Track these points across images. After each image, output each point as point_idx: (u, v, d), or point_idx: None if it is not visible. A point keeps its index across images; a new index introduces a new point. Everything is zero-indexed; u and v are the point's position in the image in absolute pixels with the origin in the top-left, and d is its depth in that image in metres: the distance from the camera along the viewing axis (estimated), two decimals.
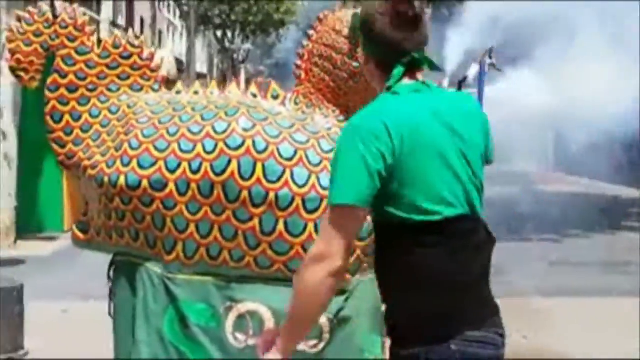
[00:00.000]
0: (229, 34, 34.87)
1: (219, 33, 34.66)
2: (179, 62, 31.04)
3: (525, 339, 5.51)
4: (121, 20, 33.61)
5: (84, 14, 3.17)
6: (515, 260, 8.01)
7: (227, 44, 34.71)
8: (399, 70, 2.05)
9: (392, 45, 2.04)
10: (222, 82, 3.29)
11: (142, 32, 36.44)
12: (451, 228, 2.01)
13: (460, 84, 3.15)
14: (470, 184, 2.05)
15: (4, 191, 9.83)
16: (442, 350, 1.98)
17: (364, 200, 1.97)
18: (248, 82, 3.44)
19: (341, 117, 2.94)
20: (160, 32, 39.52)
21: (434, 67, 2.12)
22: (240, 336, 2.83)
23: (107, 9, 31.18)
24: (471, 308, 2.03)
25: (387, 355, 3.05)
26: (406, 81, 2.07)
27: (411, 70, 2.07)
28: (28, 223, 11.09)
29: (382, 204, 2.01)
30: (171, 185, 2.79)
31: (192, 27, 30.66)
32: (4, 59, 9.79)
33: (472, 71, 3.14)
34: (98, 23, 28.51)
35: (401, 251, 2.03)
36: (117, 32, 3.10)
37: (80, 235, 3.16)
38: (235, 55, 34.93)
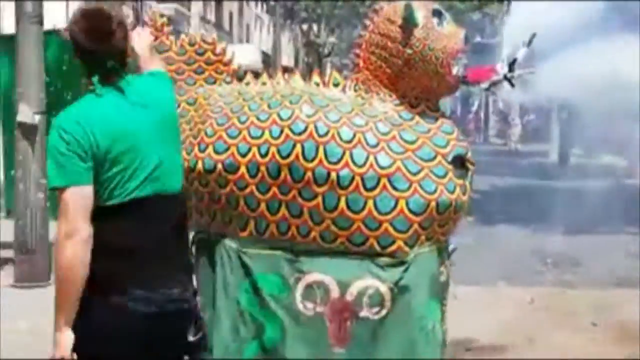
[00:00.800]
0: (315, 28, 35.23)
1: (305, 27, 35.06)
2: (265, 55, 31.60)
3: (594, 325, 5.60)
4: (210, 15, 34.42)
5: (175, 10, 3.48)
6: (598, 253, 8.05)
7: (312, 38, 35.06)
8: (95, 77, 2.46)
9: (89, 54, 2.46)
10: (308, 75, 3.50)
11: (230, 26, 37.24)
12: (142, 206, 2.46)
13: (512, 65, 3.29)
14: (166, 164, 2.51)
15: None
16: (116, 301, 2.43)
17: (75, 180, 2.37)
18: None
19: (397, 101, 3.16)
20: (248, 26, 40.25)
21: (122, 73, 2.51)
22: (308, 304, 3.10)
23: (197, 5, 31.99)
24: (149, 271, 2.47)
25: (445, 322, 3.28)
26: (106, 84, 2.46)
27: (109, 75, 2.47)
28: None
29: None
30: (243, 168, 3.08)
31: (278, 21, 31.16)
32: None
33: (521, 53, 3.28)
34: (188, 18, 29.36)
35: (102, 224, 2.42)
36: (205, 28, 3.41)
37: None
38: (320, 49, 35.24)
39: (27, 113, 6.99)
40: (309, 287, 3.09)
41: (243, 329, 3.16)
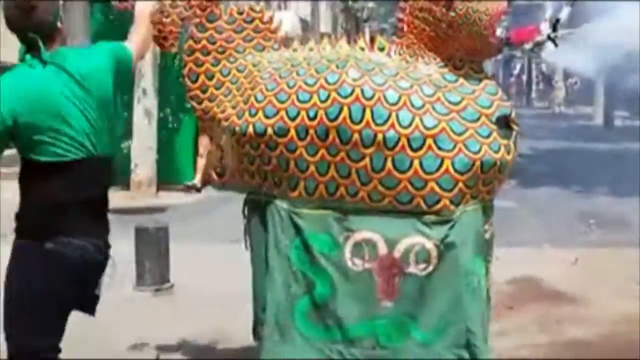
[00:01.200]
0: None
1: None
2: (303, 22, 31.50)
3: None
4: None
5: None
6: None
7: (350, 3, 34.83)
8: (21, 48, 2.75)
9: (14, 29, 2.75)
10: (352, 40, 3.55)
11: None
12: (72, 168, 2.75)
13: (555, 25, 3.33)
14: (94, 130, 2.79)
15: (145, 145, 10.64)
16: (38, 246, 2.77)
17: None
18: (372, 40, 3.70)
19: (441, 64, 3.23)
20: None
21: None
22: (357, 261, 3.22)
23: None
24: (77, 224, 2.78)
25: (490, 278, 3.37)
26: (32, 55, 2.73)
27: (33, 47, 2.73)
28: (167, 175, 11.95)
29: (23, 148, 2.77)
30: (292, 131, 3.20)
31: None
32: None
33: (564, 13, 3.32)
34: None
35: (37, 182, 2.78)
36: None
37: (218, 178, 3.62)
38: (359, 14, 35.00)
39: None
40: (357, 244, 3.21)
41: (295, 286, 3.30)
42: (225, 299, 5.17)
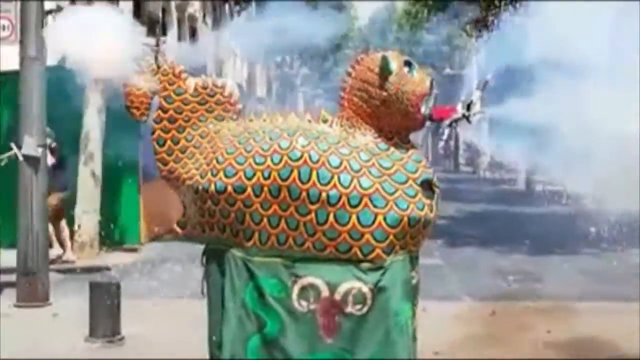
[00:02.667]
0: (288, 59, 36.00)
1: (278, 59, 35.81)
2: (240, 88, 32.16)
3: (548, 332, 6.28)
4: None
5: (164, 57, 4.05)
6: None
7: (286, 69, 35.83)
8: None
9: None
10: (281, 105, 4.04)
11: (205, 60, 37.76)
12: None
13: (469, 105, 3.95)
14: None
15: (89, 207, 10.96)
16: None
17: None
18: (305, 106, 4.08)
19: (375, 135, 3.83)
20: (222, 61, 40.83)
21: None
22: (303, 302, 3.73)
23: (172, 34, 32.44)
24: None
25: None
26: None
27: None
28: (110, 236, 12.32)
29: None
30: (249, 189, 3.73)
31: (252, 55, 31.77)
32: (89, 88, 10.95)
33: (475, 96, 3.93)
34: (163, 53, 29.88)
35: None
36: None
37: (181, 231, 4.10)
38: (293, 79, 36.05)
39: (31, 145, 7.55)
40: (303, 288, 3.73)
41: (248, 324, 3.78)
42: (171, 346, 5.60)
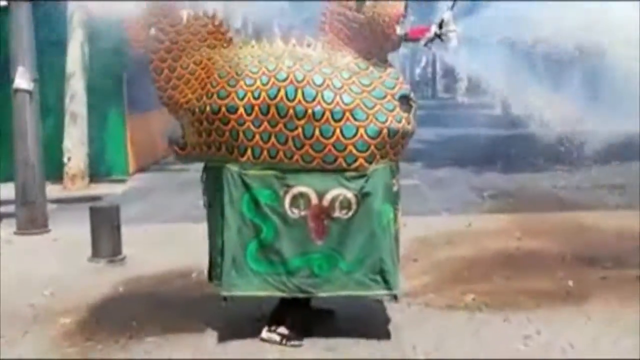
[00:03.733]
0: None
1: None
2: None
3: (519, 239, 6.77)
4: None
5: None
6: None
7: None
8: None
9: None
10: (258, 36, 4.27)
11: None
12: None
13: (440, 24, 4.24)
14: None
15: (77, 141, 11.26)
16: None
17: None
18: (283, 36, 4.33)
19: (355, 55, 4.19)
20: None
21: None
22: (295, 210, 4.15)
23: None
24: None
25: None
26: None
27: None
28: (98, 168, 12.64)
29: None
30: (241, 109, 4.10)
31: None
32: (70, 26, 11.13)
33: (447, 15, 4.22)
34: None
35: None
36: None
37: (181, 151, 4.47)
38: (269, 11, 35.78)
39: (24, 80, 7.81)
40: (294, 197, 4.14)
41: (245, 231, 4.20)
42: (168, 263, 6.05)
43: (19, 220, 8.05)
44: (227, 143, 4.20)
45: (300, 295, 4.23)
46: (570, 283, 5.35)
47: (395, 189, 4.34)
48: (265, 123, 4.10)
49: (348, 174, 4.13)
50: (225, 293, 4.22)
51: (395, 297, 4.26)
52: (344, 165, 4.11)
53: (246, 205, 4.19)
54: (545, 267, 5.76)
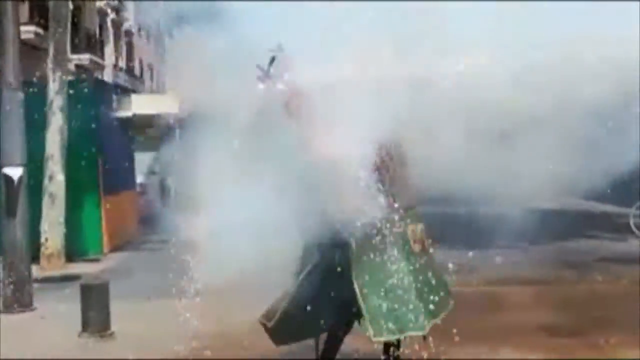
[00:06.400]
0: None
1: None
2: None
3: None
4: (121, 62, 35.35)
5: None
6: None
7: None
8: None
9: None
10: None
11: (141, 71, 38.34)
12: None
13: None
14: None
15: (55, 221, 11.66)
16: None
17: None
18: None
19: None
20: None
21: None
22: None
23: (109, 49, 32.77)
24: None
25: None
26: None
27: None
28: (74, 248, 12.96)
29: None
30: None
31: None
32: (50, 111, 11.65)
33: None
34: (102, 67, 30.35)
35: None
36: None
37: None
38: None
39: (13, 166, 8.29)
40: None
41: None
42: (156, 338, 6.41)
43: (5, 299, 8.36)
44: None
45: None
46: None
47: None
48: None
49: None
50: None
51: None
52: None
53: None
54: None
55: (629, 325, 6.52)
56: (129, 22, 35.37)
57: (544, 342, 6.33)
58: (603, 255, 10.90)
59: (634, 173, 5.05)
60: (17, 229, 8.39)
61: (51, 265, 11.46)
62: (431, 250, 4.73)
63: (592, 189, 5.34)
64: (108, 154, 12.75)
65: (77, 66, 26.60)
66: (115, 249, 12.84)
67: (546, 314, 7.31)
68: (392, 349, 4.73)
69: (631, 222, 12.59)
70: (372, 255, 4.53)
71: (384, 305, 4.47)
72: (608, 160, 4.72)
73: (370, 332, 4.50)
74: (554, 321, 7.01)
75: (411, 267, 4.54)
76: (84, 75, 24.94)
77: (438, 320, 4.58)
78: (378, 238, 4.47)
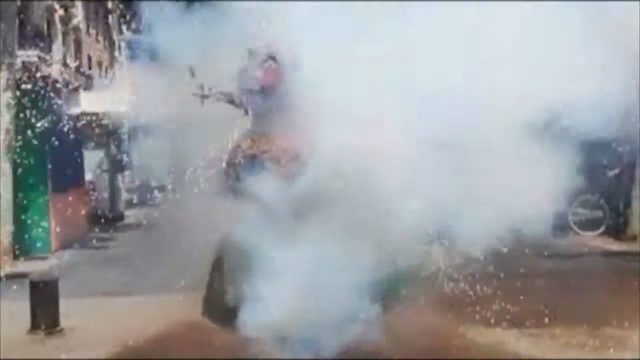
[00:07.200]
0: None
1: None
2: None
3: None
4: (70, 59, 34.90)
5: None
6: None
7: None
8: None
9: None
10: None
11: (90, 68, 37.92)
12: None
13: None
14: None
15: (3, 220, 11.54)
16: None
17: None
18: None
19: None
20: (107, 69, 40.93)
21: None
22: None
23: (58, 51, 32.40)
24: None
25: None
26: None
27: None
28: (22, 246, 12.86)
29: None
30: None
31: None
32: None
33: None
34: (50, 64, 29.91)
35: None
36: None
37: None
38: None
39: None
40: None
41: None
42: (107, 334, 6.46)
43: None
44: None
45: None
46: None
47: None
48: None
49: None
50: None
51: None
52: None
53: None
54: None
55: None
56: (78, 19, 34.93)
57: None
58: None
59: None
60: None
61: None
62: None
63: None
64: (57, 152, 12.64)
65: (25, 63, 26.21)
66: (64, 246, 12.75)
67: None
68: None
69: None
70: None
71: None
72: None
73: None
74: None
75: None
76: (31, 72, 24.59)
77: None
78: None
